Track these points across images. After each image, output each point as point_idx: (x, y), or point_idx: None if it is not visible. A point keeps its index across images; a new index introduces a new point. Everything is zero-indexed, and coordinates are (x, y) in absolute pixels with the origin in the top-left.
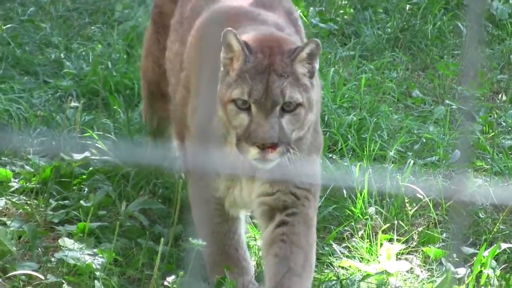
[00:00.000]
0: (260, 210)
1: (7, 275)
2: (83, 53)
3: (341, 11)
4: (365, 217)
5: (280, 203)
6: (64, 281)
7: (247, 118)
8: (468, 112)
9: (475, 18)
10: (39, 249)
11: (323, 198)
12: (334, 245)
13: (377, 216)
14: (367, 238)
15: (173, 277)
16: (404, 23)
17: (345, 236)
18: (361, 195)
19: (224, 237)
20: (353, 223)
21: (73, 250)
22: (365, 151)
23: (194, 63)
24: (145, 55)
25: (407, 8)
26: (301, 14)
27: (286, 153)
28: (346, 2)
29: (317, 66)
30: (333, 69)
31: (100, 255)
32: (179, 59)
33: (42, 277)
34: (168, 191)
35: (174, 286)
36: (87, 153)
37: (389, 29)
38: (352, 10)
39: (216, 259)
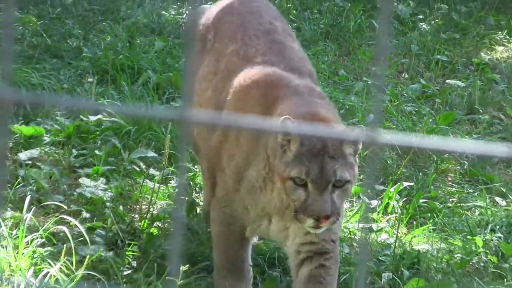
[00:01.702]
0: (300, 254)
1: (41, 204)
2: (97, 42)
3: (287, 12)
4: None
5: (322, 250)
6: (83, 209)
7: (304, 193)
8: (379, 86)
9: (385, 17)
10: (65, 186)
11: None
12: None
13: None
14: None
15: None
16: (333, 21)
17: None
18: None
19: (236, 253)
20: None
21: (90, 186)
22: None
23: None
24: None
25: (335, 9)
26: None
27: (335, 222)
28: (290, 5)
29: (360, 146)
30: None
31: (110, 190)
32: (211, 104)
33: (66, 207)
34: (159, 143)
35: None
36: (100, 116)
37: (322, 25)
38: (295, 11)
39: (225, 267)
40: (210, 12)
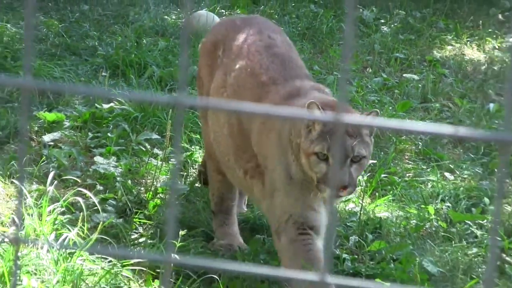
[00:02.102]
0: None
1: (61, 178)
2: (109, 42)
3: (269, 17)
4: None
5: None
6: (97, 183)
7: (326, 166)
8: (347, 79)
9: (350, 20)
10: (81, 163)
11: None
12: None
13: None
14: None
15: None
16: (309, 24)
17: None
18: None
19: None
20: None
21: (103, 164)
22: None
23: (265, 147)
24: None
25: (311, 14)
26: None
27: (353, 192)
28: (272, 11)
29: (375, 128)
30: None
31: (120, 167)
32: (223, 117)
33: (82, 181)
34: (161, 127)
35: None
36: (111, 104)
37: (299, 28)
38: (276, 16)
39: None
40: (216, 29)
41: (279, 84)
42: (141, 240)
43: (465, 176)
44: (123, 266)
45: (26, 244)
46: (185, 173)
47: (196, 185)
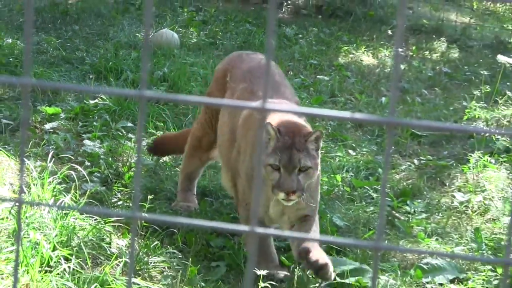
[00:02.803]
0: (292, 222)
1: (58, 156)
2: (94, 53)
3: (215, 34)
4: None
5: (305, 214)
6: (86, 160)
7: (278, 175)
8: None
9: (274, 36)
10: (74, 145)
11: None
12: None
13: None
14: None
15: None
16: (245, 39)
17: None
18: None
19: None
20: None
21: (90, 145)
22: None
23: (243, 139)
24: (197, 122)
25: (246, 31)
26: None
27: (301, 196)
28: (217, 29)
29: (321, 143)
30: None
31: (103, 148)
32: (226, 126)
33: (74, 158)
34: (134, 117)
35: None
36: (96, 100)
37: (238, 42)
38: (220, 33)
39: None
40: (227, 60)
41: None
42: (119, 203)
43: (364, 152)
44: (105, 223)
45: (31, 206)
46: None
47: (161, 161)
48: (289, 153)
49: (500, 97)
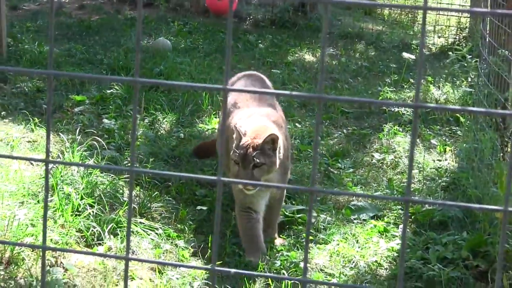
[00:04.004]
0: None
1: (84, 131)
2: (110, 56)
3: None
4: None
5: (274, 196)
6: (104, 133)
7: (237, 168)
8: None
9: (229, 39)
10: (95, 123)
11: None
12: None
13: None
14: None
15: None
16: (218, 45)
17: None
18: None
19: (249, 228)
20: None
21: (108, 123)
22: None
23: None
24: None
25: (220, 39)
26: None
27: (256, 188)
28: (199, 37)
29: (277, 145)
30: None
31: (117, 125)
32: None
33: (96, 132)
34: (140, 101)
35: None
36: (112, 90)
37: (214, 47)
38: (201, 40)
39: (245, 239)
40: (232, 80)
41: (246, 106)
42: (129, 164)
43: (307, 125)
44: (119, 179)
45: (65, 167)
46: (153, 128)
47: (159, 133)
48: (246, 151)
49: (405, 83)
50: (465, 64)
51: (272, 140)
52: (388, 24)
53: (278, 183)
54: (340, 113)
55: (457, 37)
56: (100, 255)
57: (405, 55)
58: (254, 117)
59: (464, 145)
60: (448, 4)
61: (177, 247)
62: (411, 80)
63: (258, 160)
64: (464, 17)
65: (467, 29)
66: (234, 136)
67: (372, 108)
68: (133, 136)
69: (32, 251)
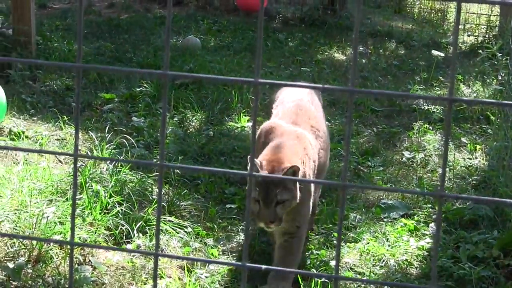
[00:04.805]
0: (278, 234)
1: (114, 129)
2: (139, 54)
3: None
4: None
5: (289, 231)
6: (133, 132)
7: (258, 207)
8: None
9: (260, 37)
10: (125, 121)
11: None
12: None
13: None
14: None
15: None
16: (249, 42)
17: None
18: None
19: None
20: None
21: (137, 121)
22: None
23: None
24: None
25: (250, 37)
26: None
27: (279, 225)
28: (228, 36)
29: (298, 176)
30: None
31: (146, 123)
32: None
33: (126, 130)
34: (170, 99)
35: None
36: (141, 88)
37: (244, 45)
38: (230, 38)
39: None
40: (277, 92)
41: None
42: (158, 162)
43: (337, 123)
44: (148, 177)
45: (95, 161)
46: (183, 125)
47: (189, 131)
48: (266, 187)
49: (435, 81)
50: (495, 62)
51: (293, 173)
52: (418, 23)
53: (294, 215)
54: (370, 111)
55: (487, 36)
56: (129, 251)
57: (435, 53)
58: (274, 144)
59: (495, 143)
60: None
61: (206, 245)
62: (441, 78)
63: (281, 197)
64: (494, 15)
65: (497, 27)
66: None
67: (402, 107)
68: (163, 129)
69: (60, 249)
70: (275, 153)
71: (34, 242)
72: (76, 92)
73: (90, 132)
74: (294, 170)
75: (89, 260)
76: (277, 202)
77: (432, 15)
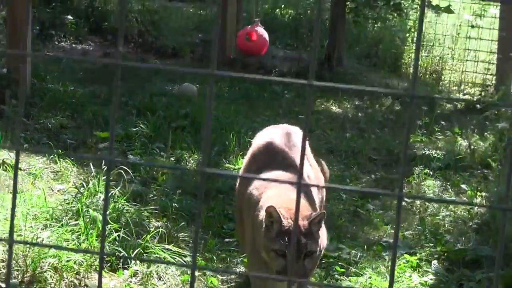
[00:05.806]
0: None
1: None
2: (136, 98)
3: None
4: None
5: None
6: (129, 169)
7: (284, 262)
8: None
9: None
10: (120, 159)
11: None
12: None
13: None
14: None
15: None
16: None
17: None
18: None
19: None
20: None
21: (132, 159)
22: None
23: (247, 217)
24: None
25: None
26: None
27: (307, 278)
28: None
29: (322, 224)
30: None
31: (142, 161)
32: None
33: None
34: (166, 139)
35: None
36: (137, 128)
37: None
38: (226, 88)
39: None
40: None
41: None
42: (154, 198)
43: (335, 169)
44: (145, 209)
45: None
46: (179, 166)
47: (186, 170)
48: (295, 239)
49: (437, 125)
50: (495, 112)
51: (319, 221)
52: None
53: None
54: (368, 160)
55: (483, 93)
56: (155, 261)
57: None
58: (282, 190)
59: (495, 188)
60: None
61: (205, 275)
62: (442, 123)
63: (310, 249)
64: (490, 74)
65: (492, 86)
66: (268, 218)
67: (400, 156)
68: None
69: (55, 271)
70: (284, 198)
71: (28, 263)
72: (115, 84)
73: (85, 167)
74: (321, 218)
75: (85, 284)
76: (305, 255)
77: (427, 76)
